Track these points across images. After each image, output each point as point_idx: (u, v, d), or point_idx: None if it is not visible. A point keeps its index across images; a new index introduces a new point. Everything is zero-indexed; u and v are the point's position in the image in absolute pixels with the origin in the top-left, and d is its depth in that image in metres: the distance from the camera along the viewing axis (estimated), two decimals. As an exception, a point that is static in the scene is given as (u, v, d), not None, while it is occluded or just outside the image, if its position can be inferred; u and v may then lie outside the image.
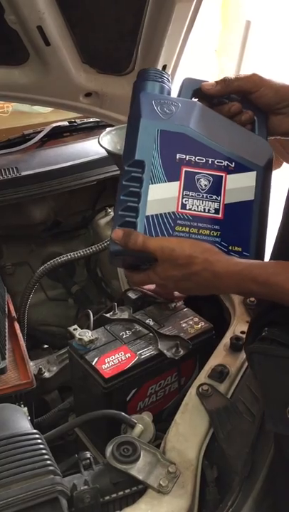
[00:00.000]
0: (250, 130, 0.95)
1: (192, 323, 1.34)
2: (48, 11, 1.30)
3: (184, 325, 1.34)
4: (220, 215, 0.90)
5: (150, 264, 0.90)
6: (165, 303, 1.41)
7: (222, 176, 0.91)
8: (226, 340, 1.27)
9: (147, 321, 1.34)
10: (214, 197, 0.90)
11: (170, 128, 0.92)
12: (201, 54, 4.30)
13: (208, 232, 0.90)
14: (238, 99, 0.95)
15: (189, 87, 0.97)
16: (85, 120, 2.02)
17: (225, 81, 0.93)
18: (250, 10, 4.25)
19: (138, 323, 1.33)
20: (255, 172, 0.92)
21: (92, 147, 1.87)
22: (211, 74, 4.81)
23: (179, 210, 0.89)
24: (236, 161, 0.92)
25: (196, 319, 1.36)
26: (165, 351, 1.24)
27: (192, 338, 1.29)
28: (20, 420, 1.01)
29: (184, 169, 0.90)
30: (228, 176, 0.91)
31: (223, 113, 0.95)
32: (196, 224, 0.90)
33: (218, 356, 1.23)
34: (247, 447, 0.99)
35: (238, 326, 1.30)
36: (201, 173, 0.91)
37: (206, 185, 0.90)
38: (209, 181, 0.91)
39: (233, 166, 0.92)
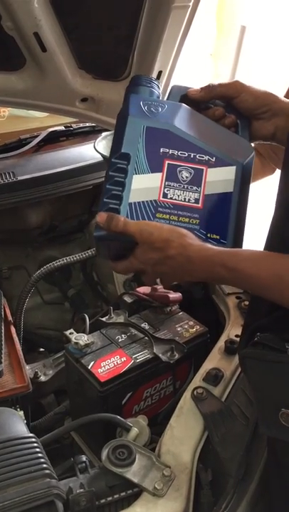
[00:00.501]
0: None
1: (187, 327, 1.35)
2: (45, 17, 1.31)
3: (179, 329, 1.35)
4: (199, 205, 0.96)
5: (132, 251, 0.94)
6: (160, 307, 1.42)
7: (203, 169, 0.97)
8: (221, 343, 1.28)
9: (143, 325, 1.35)
10: (194, 188, 0.96)
11: (155, 125, 0.99)
12: (197, 58, 4.32)
13: (187, 219, 0.95)
14: (223, 105, 1.02)
15: (177, 93, 1.04)
16: (81, 125, 2.02)
17: (208, 87, 1.00)
18: (245, 15, 4.28)
19: (133, 327, 1.34)
20: (235, 167, 0.98)
21: (88, 152, 1.88)
22: (206, 78, 4.84)
23: (161, 198, 0.95)
24: (217, 156, 0.98)
25: (191, 323, 1.37)
26: (160, 355, 1.25)
27: (187, 341, 1.30)
28: (17, 424, 1.02)
29: (167, 162, 0.96)
30: (208, 169, 0.97)
31: (208, 117, 1.02)
32: (176, 212, 0.95)
33: (213, 360, 1.24)
34: (241, 450, 1.00)
35: (233, 330, 1.31)
36: (182, 165, 0.97)
37: (187, 177, 0.96)
38: (190, 173, 0.97)
39: (213, 160, 0.98)
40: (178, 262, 0.88)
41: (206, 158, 0.98)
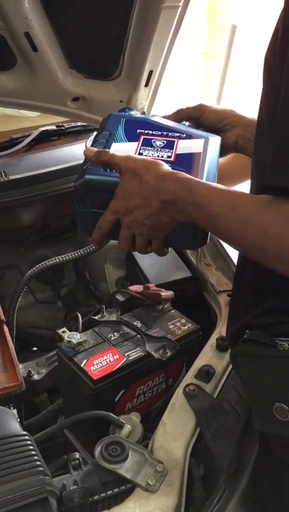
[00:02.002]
0: None
1: (179, 325, 1.36)
2: (36, 17, 1.32)
3: (171, 326, 1.36)
4: (172, 159, 1.02)
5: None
6: (152, 305, 1.43)
7: (174, 141, 1.07)
8: (212, 340, 1.29)
9: (135, 323, 1.36)
10: (167, 150, 1.04)
11: (134, 118, 1.15)
12: (188, 57, 4.33)
13: None
14: (194, 126, 1.16)
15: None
16: (73, 124, 2.02)
17: (178, 110, 1.17)
18: (236, 14, 4.29)
19: (126, 325, 1.35)
20: (203, 139, 1.08)
21: (80, 151, 1.88)
22: (197, 76, 4.86)
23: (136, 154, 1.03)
24: (187, 133, 1.09)
25: (183, 321, 1.38)
26: (153, 352, 1.26)
27: (179, 339, 1.31)
28: (10, 422, 1.03)
29: (143, 137, 1.07)
30: (179, 140, 1.07)
31: None
32: None
33: (205, 357, 1.25)
34: (232, 445, 1.02)
35: (224, 327, 1.31)
36: (156, 139, 1.07)
37: (160, 145, 1.05)
38: (163, 143, 1.06)
39: (184, 136, 1.09)
40: (151, 185, 0.89)
41: (178, 135, 1.08)
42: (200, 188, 0.85)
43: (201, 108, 1.15)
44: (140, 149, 1.03)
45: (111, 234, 0.99)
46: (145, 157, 0.98)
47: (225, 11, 4.49)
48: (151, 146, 1.04)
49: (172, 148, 1.04)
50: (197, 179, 0.90)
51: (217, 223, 0.83)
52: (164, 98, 1.73)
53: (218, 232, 0.86)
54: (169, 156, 1.01)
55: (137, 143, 1.05)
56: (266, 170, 0.75)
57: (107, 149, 0.99)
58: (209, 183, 0.88)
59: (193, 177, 0.90)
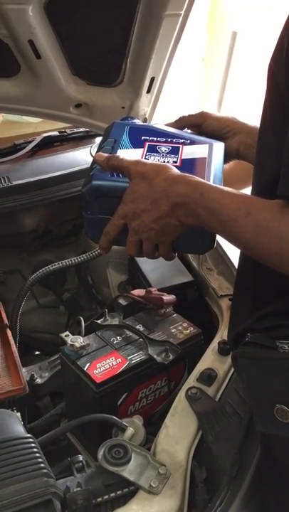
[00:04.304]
0: None
1: (181, 329, 1.37)
2: (39, 25, 1.33)
3: (173, 330, 1.37)
4: (178, 164, 1.02)
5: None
6: (155, 309, 1.44)
7: (179, 147, 1.08)
8: (214, 344, 1.30)
9: (137, 327, 1.37)
10: (173, 155, 1.04)
11: (137, 126, 1.16)
12: (189, 63, 4.36)
13: None
14: (196, 133, 1.16)
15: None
16: (75, 130, 2.04)
17: (180, 118, 1.17)
18: (236, 21, 4.32)
19: (128, 328, 1.36)
20: (207, 145, 1.09)
21: (83, 156, 1.90)
22: (198, 83, 4.88)
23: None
24: (192, 139, 1.10)
25: (185, 325, 1.39)
26: (155, 356, 1.27)
27: (181, 343, 1.32)
28: (14, 425, 1.04)
29: (148, 143, 1.08)
30: (184, 146, 1.08)
31: None
32: None
33: (207, 360, 1.26)
34: (234, 448, 1.02)
35: (226, 331, 1.32)
36: (161, 145, 1.08)
37: (165, 151, 1.06)
38: (168, 148, 1.07)
39: (188, 142, 1.09)
40: (161, 187, 0.89)
41: (182, 141, 1.09)
42: (212, 191, 0.86)
43: (202, 115, 1.15)
44: (146, 155, 1.04)
45: (118, 240, 0.98)
46: (154, 161, 0.99)
47: (225, 18, 4.52)
48: (157, 152, 1.05)
49: (177, 154, 1.04)
50: (209, 183, 0.90)
51: (230, 228, 0.83)
52: (165, 104, 1.74)
53: (231, 236, 0.86)
54: (174, 162, 1.02)
55: (142, 149, 1.05)
56: (279, 180, 0.77)
57: (116, 155, 0.99)
58: (221, 187, 0.89)
59: (204, 181, 0.90)
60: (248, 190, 0.99)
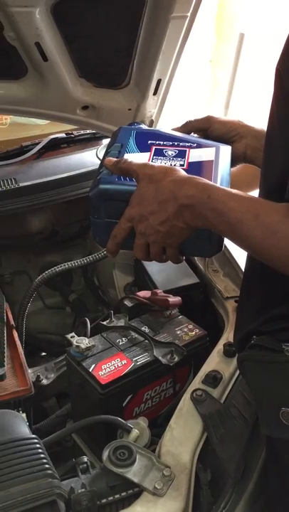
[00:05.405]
0: None
1: (187, 331, 1.37)
2: (46, 28, 1.34)
3: (178, 332, 1.37)
4: (185, 167, 1.02)
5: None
6: (160, 310, 1.44)
7: (186, 150, 1.08)
8: (220, 346, 1.30)
9: (143, 329, 1.37)
10: (179, 159, 1.05)
11: (144, 130, 1.17)
12: (196, 65, 4.36)
13: None
14: (202, 137, 1.17)
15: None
16: (82, 132, 2.05)
17: (186, 122, 1.18)
18: (244, 22, 4.32)
19: (134, 330, 1.36)
20: (214, 148, 1.09)
21: (89, 158, 1.91)
22: (205, 84, 4.88)
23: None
24: (198, 143, 1.11)
25: (190, 326, 1.39)
26: (160, 358, 1.27)
27: (187, 344, 1.32)
28: (19, 425, 1.04)
29: (154, 147, 1.09)
30: (190, 149, 1.08)
31: None
32: None
33: (212, 362, 1.26)
34: (239, 450, 1.02)
35: (232, 333, 1.32)
36: (168, 148, 1.08)
37: (172, 154, 1.06)
38: (175, 152, 1.07)
39: (195, 145, 1.10)
40: (168, 189, 0.89)
41: (188, 144, 1.09)
42: (220, 193, 0.86)
43: (209, 120, 1.16)
44: (153, 159, 1.04)
45: (126, 244, 0.99)
46: (162, 164, 1.00)
47: (233, 19, 4.52)
48: (163, 155, 1.05)
49: (184, 157, 1.05)
50: (216, 185, 0.90)
51: (237, 230, 0.83)
52: (171, 106, 1.74)
53: (238, 239, 0.86)
54: (181, 165, 1.02)
55: (148, 153, 1.06)
56: (287, 183, 0.77)
57: (125, 158, 1.00)
58: (228, 189, 0.88)
59: (212, 183, 0.90)
60: (255, 194, 0.99)
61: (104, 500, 0.97)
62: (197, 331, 1.37)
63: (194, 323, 1.41)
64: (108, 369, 1.23)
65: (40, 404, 1.55)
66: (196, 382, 1.20)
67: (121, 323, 1.41)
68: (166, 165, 1.00)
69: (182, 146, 1.09)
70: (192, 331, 1.37)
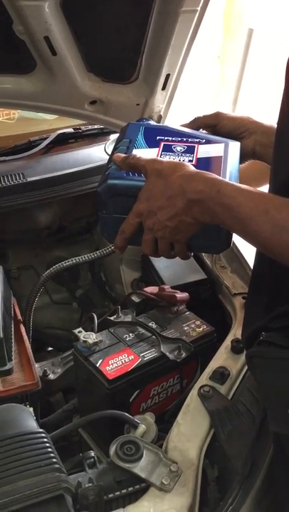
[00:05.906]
0: None
1: (194, 327, 1.37)
2: (55, 22, 1.34)
3: (186, 328, 1.37)
4: (193, 163, 1.01)
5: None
6: (168, 306, 1.43)
7: (195, 146, 1.07)
8: (227, 342, 1.29)
9: (150, 324, 1.37)
10: (188, 155, 1.04)
11: (152, 126, 1.17)
12: (205, 61, 4.34)
13: None
14: (211, 133, 1.16)
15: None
16: (90, 127, 2.04)
17: (195, 119, 1.17)
18: (253, 18, 4.29)
19: (141, 326, 1.36)
20: (223, 144, 1.08)
21: (97, 153, 1.90)
22: (213, 80, 4.86)
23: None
24: (207, 139, 1.10)
25: (197, 322, 1.39)
26: (167, 353, 1.27)
27: (194, 340, 1.32)
28: (27, 420, 1.04)
29: (163, 143, 1.08)
30: (199, 145, 1.08)
31: None
32: None
33: (220, 358, 1.25)
34: (247, 447, 1.02)
35: (239, 330, 1.32)
36: (177, 144, 1.08)
37: (180, 150, 1.06)
38: (184, 148, 1.07)
39: (204, 141, 1.09)
40: (177, 184, 0.89)
41: (197, 140, 1.09)
42: (229, 189, 0.85)
43: (217, 116, 1.15)
44: (161, 155, 1.04)
45: (134, 239, 0.98)
46: (171, 159, 0.99)
47: (241, 15, 4.50)
48: (172, 151, 1.05)
49: (193, 153, 1.04)
50: (226, 180, 0.90)
51: (247, 226, 0.82)
52: (180, 101, 1.74)
53: (247, 234, 0.85)
54: (190, 161, 1.01)
55: (157, 149, 1.05)
56: None
57: (133, 154, 1.00)
58: (238, 184, 0.88)
59: (221, 178, 0.90)
60: (264, 190, 0.98)
61: (111, 495, 0.97)
62: (205, 327, 1.37)
63: (202, 319, 1.40)
64: (115, 364, 1.23)
65: (47, 399, 1.56)
66: (204, 379, 1.20)
67: (128, 318, 1.40)
68: (175, 160, 1.00)
69: (191, 142, 1.08)
70: (200, 327, 1.37)
